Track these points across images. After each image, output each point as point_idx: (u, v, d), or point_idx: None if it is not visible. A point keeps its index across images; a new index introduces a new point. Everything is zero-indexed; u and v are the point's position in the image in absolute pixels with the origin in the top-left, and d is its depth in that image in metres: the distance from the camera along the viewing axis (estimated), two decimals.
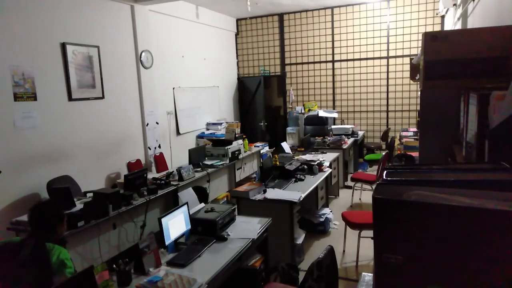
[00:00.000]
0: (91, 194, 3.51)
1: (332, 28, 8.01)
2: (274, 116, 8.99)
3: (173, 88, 6.48)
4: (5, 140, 3.79)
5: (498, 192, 0.99)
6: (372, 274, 1.52)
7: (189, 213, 2.84)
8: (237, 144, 5.71)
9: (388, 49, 7.60)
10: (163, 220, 2.53)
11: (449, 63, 2.10)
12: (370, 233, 3.52)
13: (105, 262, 2.11)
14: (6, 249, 2.16)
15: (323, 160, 4.97)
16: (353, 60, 7.92)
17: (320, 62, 8.25)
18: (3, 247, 2.17)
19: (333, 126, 7.21)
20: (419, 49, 5.59)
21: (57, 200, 2.30)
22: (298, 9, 8.13)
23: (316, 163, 4.64)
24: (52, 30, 4.29)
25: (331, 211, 4.70)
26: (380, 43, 7.64)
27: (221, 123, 7.28)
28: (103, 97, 4.97)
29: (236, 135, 5.83)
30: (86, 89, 4.72)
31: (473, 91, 1.74)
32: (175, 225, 2.64)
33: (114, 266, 2.16)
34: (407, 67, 7.10)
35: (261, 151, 6.44)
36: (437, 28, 7.14)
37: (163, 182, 4.08)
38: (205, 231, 2.78)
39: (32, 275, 2.08)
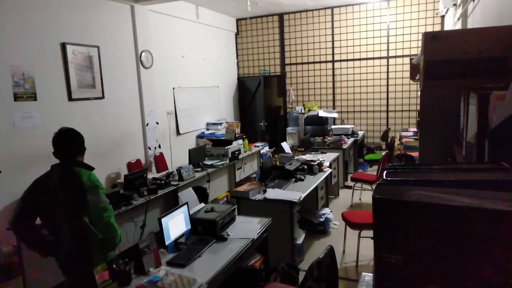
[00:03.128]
0: None
1: (332, 28, 8.01)
2: (274, 116, 8.99)
3: (173, 88, 6.48)
4: (5, 140, 3.78)
5: (498, 192, 0.99)
6: (372, 274, 1.52)
7: (189, 213, 2.84)
8: (237, 144, 5.72)
9: (388, 49, 7.60)
10: (163, 220, 2.53)
11: (449, 63, 2.10)
12: (370, 233, 3.52)
13: (105, 262, 2.12)
14: (37, 182, 2.29)
15: (323, 160, 4.97)
16: (353, 60, 7.92)
17: (320, 62, 8.25)
18: (36, 182, 2.30)
19: (333, 126, 7.22)
20: (419, 49, 5.59)
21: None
22: (298, 9, 8.13)
23: (316, 163, 4.64)
24: (52, 30, 4.29)
25: (331, 211, 4.70)
26: (380, 43, 7.64)
27: (221, 123, 7.28)
28: (103, 97, 4.97)
29: (236, 135, 5.83)
30: (86, 89, 4.72)
31: (473, 91, 1.74)
32: (175, 225, 2.64)
33: (114, 266, 2.16)
34: (407, 67, 7.10)
35: (261, 151, 6.44)
36: (437, 28, 7.14)
37: (163, 182, 4.08)
38: (205, 231, 2.79)
39: (65, 198, 2.21)
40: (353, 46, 7.88)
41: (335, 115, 7.55)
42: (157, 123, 5.92)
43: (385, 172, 1.27)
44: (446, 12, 6.47)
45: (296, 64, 8.50)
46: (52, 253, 2.35)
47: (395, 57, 7.57)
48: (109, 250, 2.32)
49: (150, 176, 4.27)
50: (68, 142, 2.32)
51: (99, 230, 2.21)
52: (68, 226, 2.23)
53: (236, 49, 8.91)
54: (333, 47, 8.07)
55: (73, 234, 2.24)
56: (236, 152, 5.58)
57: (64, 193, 2.21)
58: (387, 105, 7.78)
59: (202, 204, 3.19)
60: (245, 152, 5.95)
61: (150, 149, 5.75)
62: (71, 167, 2.27)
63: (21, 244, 3.24)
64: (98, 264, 2.18)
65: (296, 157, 5.21)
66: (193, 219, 2.84)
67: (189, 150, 5.03)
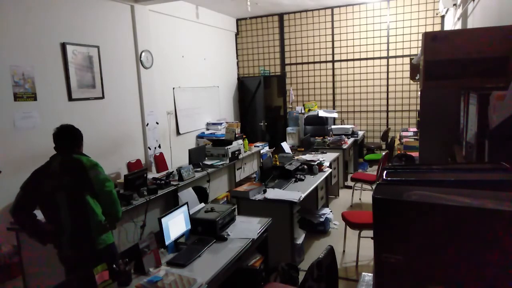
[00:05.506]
0: None
1: (332, 28, 8.01)
2: (274, 116, 8.99)
3: (173, 88, 6.48)
4: (5, 140, 3.79)
5: (498, 192, 0.99)
6: (372, 274, 1.52)
7: (189, 213, 2.84)
8: (237, 144, 5.71)
9: (388, 49, 7.60)
10: (163, 220, 2.53)
11: (449, 63, 2.10)
12: (370, 233, 3.52)
13: (105, 262, 2.12)
14: (37, 172, 2.43)
15: (323, 160, 4.96)
16: (353, 60, 7.92)
17: (320, 62, 8.25)
18: (36, 172, 2.43)
19: (333, 126, 7.21)
20: (419, 49, 5.59)
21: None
22: (298, 9, 8.13)
23: (316, 163, 4.64)
24: (52, 30, 4.29)
25: (331, 211, 4.70)
26: (380, 43, 7.64)
27: (221, 123, 7.28)
28: (103, 97, 4.97)
29: (236, 135, 5.83)
30: (86, 89, 4.72)
31: (473, 91, 1.74)
32: (175, 225, 2.64)
33: (114, 266, 2.16)
34: (407, 67, 7.10)
35: (261, 151, 6.44)
36: (437, 28, 7.14)
37: (163, 182, 4.08)
38: (205, 231, 2.78)
39: (66, 179, 2.38)
40: (353, 46, 7.88)
41: (335, 115, 7.55)
42: (157, 123, 5.92)
43: (385, 172, 1.27)
44: (446, 12, 6.47)
45: (296, 64, 8.50)
46: (52, 241, 2.45)
47: (395, 57, 7.57)
48: (112, 225, 2.53)
49: (150, 176, 4.26)
50: (69, 137, 2.50)
51: (103, 203, 2.43)
52: (70, 207, 2.37)
53: (236, 49, 8.91)
54: (333, 47, 8.07)
55: (75, 215, 2.38)
56: (236, 152, 5.58)
57: (65, 176, 2.38)
58: (387, 105, 7.78)
59: (202, 204, 3.19)
60: (245, 152, 5.95)
61: (150, 149, 5.75)
62: (71, 154, 2.45)
63: (21, 244, 3.24)
64: (100, 244, 2.40)
65: (296, 157, 5.21)
66: (193, 219, 2.84)
67: (189, 150, 5.03)
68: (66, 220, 2.37)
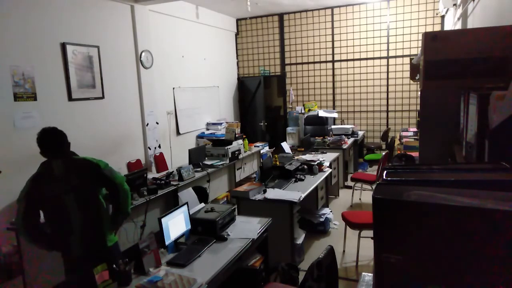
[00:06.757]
0: None
1: (332, 28, 8.01)
2: (274, 116, 8.99)
3: (173, 88, 6.48)
4: (5, 140, 3.78)
5: (498, 192, 0.99)
6: (372, 274, 1.52)
7: (189, 213, 2.84)
8: (237, 144, 5.72)
9: (388, 49, 7.59)
10: (163, 220, 2.53)
11: (449, 63, 2.10)
12: (370, 233, 3.52)
13: (105, 262, 2.13)
14: (37, 179, 2.32)
15: (323, 160, 4.97)
16: (353, 60, 7.92)
17: (320, 62, 8.24)
18: (35, 179, 2.31)
19: (333, 126, 7.21)
20: (419, 49, 5.59)
21: None
22: (298, 9, 8.13)
23: (316, 163, 4.64)
24: (52, 30, 4.29)
25: (331, 211, 4.70)
26: (380, 43, 7.64)
27: (221, 123, 7.28)
28: (103, 97, 4.97)
29: (236, 135, 5.83)
30: (86, 89, 4.72)
31: (473, 91, 1.74)
32: (175, 225, 2.64)
33: (114, 266, 2.16)
34: (407, 67, 7.10)
35: (261, 151, 6.44)
36: (437, 28, 7.14)
37: (163, 182, 4.08)
38: (205, 231, 2.79)
39: (78, 180, 2.33)
40: (353, 46, 7.87)
41: (335, 115, 7.55)
42: (157, 123, 5.91)
43: (385, 172, 1.27)
44: (446, 12, 6.47)
45: (296, 64, 8.50)
46: (57, 247, 2.42)
47: (395, 57, 7.57)
48: (122, 219, 2.56)
49: (150, 176, 4.27)
50: (62, 140, 2.39)
51: (121, 200, 2.44)
52: (82, 207, 2.35)
53: (236, 49, 8.90)
54: (333, 47, 8.07)
55: (87, 214, 2.37)
56: (236, 152, 5.58)
57: (75, 176, 2.33)
58: (387, 105, 7.78)
59: (202, 204, 3.19)
60: (245, 152, 5.95)
61: (150, 149, 5.75)
62: (70, 156, 2.41)
63: (21, 244, 3.24)
64: (110, 241, 2.44)
65: (296, 157, 5.21)
66: (193, 219, 2.84)
67: (189, 150, 5.03)
68: (77, 220, 2.34)
